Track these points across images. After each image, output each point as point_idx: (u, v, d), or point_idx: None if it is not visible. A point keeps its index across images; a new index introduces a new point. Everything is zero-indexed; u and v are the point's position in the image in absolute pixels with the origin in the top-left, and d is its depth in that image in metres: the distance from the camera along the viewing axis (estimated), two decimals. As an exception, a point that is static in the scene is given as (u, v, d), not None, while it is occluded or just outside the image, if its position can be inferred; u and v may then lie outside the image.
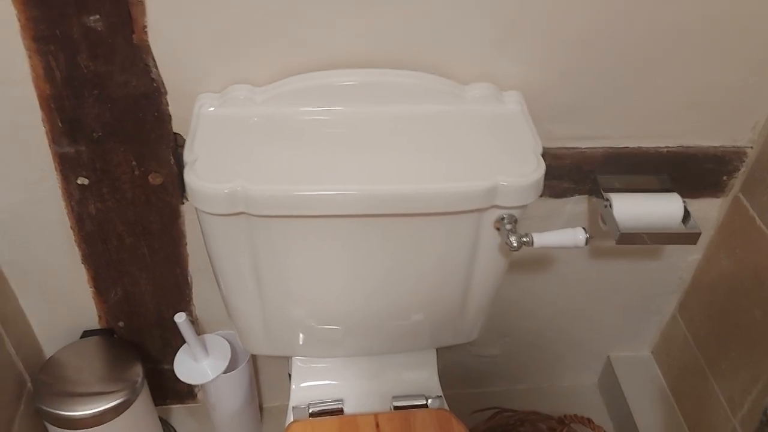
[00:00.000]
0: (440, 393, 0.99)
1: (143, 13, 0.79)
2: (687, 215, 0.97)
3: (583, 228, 0.81)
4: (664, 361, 1.32)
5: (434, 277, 0.88)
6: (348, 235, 0.81)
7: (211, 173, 0.76)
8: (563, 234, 0.81)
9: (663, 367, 1.32)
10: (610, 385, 1.36)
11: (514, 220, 0.81)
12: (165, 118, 0.90)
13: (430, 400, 0.96)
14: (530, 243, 0.80)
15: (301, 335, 0.94)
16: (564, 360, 1.37)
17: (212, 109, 0.85)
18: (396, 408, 0.95)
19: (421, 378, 1.00)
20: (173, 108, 0.89)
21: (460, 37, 0.85)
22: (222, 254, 0.83)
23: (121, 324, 1.16)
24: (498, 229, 0.82)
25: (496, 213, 0.80)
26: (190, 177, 0.76)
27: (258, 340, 0.94)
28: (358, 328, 0.94)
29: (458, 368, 1.34)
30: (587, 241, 0.81)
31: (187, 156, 0.79)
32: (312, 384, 0.98)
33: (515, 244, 0.78)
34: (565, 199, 1.04)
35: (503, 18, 0.83)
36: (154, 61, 0.84)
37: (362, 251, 0.83)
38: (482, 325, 0.99)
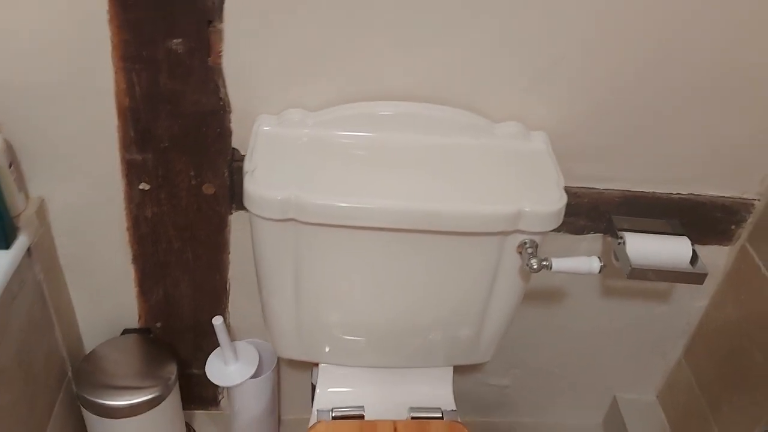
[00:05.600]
0: (454, 407, 1.05)
1: (220, 39, 0.90)
2: (695, 257, 1.04)
3: (598, 257, 0.89)
4: (668, 406, 1.37)
5: (457, 294, 0.95)
6: (385, 249, 0.89)
7: (267, 182, 0.86)
8: (579, 260, 0.89)
9: (667, 412, 1.37)
10: (615, 426, 1.40)
11: (535, 245, 0.89)
12: (226, 134, 1.00)
13: (445, 413, 1.02)
14: (549, 266, 0.88)
15: (329, 342, 1.02)
16: (570, 397, 1.42)
17: (268, 128, 0.95)
18: (413, 418, 1.01)
19: (437, 392, 1.07)
20: (235, 125, 0.99)
21: (494, 80, 0.95)
22: (268, 258, 0.92)
23: (158, 325, 1.23)
24: (520, 253, 0.90)
25: (519, 238, 0.89)
26: (249, 183, 0.86)
27: (289, 343, 1.02)
28: (382, 338, 1.02)
29: (468, 395, 1.40)
30: (601, 268, 0.89)
31: (247, 166, 0.89)
32: (336, 390, 1.05)
33: (535, 266, 0.86)
34: (581, 236, 1.12)
35: (535, 65, 0.94)
36: (224, 82, 0.94)
37: (394, 264, 0.91)
38: (497, 346, 1.06)
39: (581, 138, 1.01)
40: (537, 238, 0.89)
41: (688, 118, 0.99)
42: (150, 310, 1.21)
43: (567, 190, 0.95)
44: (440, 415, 1.02)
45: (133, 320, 1.23)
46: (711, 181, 1.07)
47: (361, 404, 1.03)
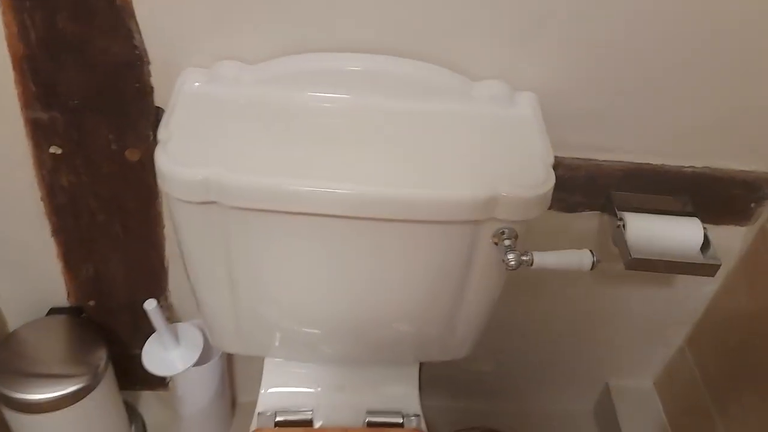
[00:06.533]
0: (419, 411, 0.92)
1: (126, -30, 0.72)
2: (707, 243, 0.89)
3: (591, 251, 0.74)
4: (666, 395, 1.24)
5: (422, 287, 0.80)
6: (331, 236, 0.73)
7: (184, 156, 0.69)
8: (568, 255, 0.74)
9: (665, 401, 1.24)
10: (605, 414, 1.28)
11: (514, 236, 0.73)
12: (147, 90, 0.82)
13: (406, 419, 0.89)
14: (529, 263, 0.72)
15: (274, 336, 0.87)
16: (559, 383, 1.29)
17: (197, 84, 0.78)
18: (369, 424, 0.88)
19: (400, 394, 0.93)
20: (156, 80, 0.82)
21: (478, 29, 0.77)
22: (191, 243, 0.76)
23: (91, 303, 1.09)
24: (496, 243, 0.74)
25: (495, 226, 0.73)
26: (160, 158, 0.69)
27: (227, 338, 0.88)
28: (337, 333, 0.87)
29: (444, 380, 1.27)
30: (594, 265, 0.73)
31: (161, 134, 0.72)
32: (282, 390, 0.92)
33: (513, 263, 0.71)
34: (575, 214, 0.96)
35: (529, 12, 0.75)
36: (137, 26, 0.76)
37: (346, 254, 0.75)
38: (473, 343, 0.92)
39: (578, 100, 0.83)
40: (517, 227, 0.73)
41: (708, 76, 0.81)
42: (80, 287, 1.07)
43: (559, 161, 0.79)
44: (400, 421, 0.88)
45: (61, 298, 1.08)
46: (731, 153, 0.89)
47: (310, 407, 0.89)
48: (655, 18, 0.76)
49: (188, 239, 0.75)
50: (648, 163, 0.90)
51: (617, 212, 0.90)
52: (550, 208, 0.92)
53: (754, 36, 0.78)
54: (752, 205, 0.95)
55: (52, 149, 0.88)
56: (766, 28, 0.77)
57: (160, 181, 0.70)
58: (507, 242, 0.72)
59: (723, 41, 0.78)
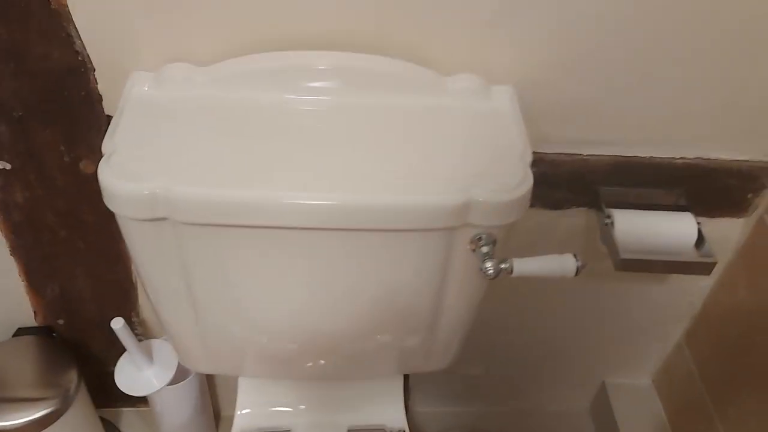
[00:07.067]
0: (404, 426, 0.87)
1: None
2: (701, 239, 0.83)
3: (574, 255, 0.68)
4: (665, 392, 1.19)
5: (398, 297, 0.75)
6: (295, 248, 0.68)
7: (129, 170, 0.64)
8: (549, 261, 0.68)
9: (664, 399, 1.19)
10: (602, 412, 1.23)
11: (492, 241, 0.68)
12: (94, 98, 0.77)
13: (389, 436, 0.84)
14: (509, 270, 0.67)
15: (245, 354, 0.82)
16: (553, 382, 1.24)
17: (146, 89, 0.72)
18: (351, 442, 0.83)
19: (383, 408, 0.88)
20: (103, 87, 0.76)
21: (445, 15, 0.71)
22: (146, 262, 0.71)
23: (60, 322, 1.04)
24: (473, 250, 0.69)
25: (471, 232, 0.67)
26: (103, 173, 0.64)
27: (195, 357, 0.82)
28: (312, 348, 0.82)
29: (434, 386, 1.22)
30: (578, 271, 0.68)
31: (106, 146, 0.66)
32: (258, 411, 0.87)
33: (491, 272, 0.65)
34: (560, 212, 0.91)
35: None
36: (77, 31, 0.71)
37: (313, 266, 0.70)
38: (457, 351, 0.87)
39: (558, 91, 0.78)
40: (496, 231, 0.68)
41: (698, 60, 0.75)
42: (47, 306, 1.02)
43: (542, 157, 0.73)
44: (384, 438, 0.84)
45: (28, 318, 1.03)
46: (724, 142, 0.84)
47: (288, 427, 0.84)
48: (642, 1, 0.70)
49: (142, 257, 0.70)
50: (636, 156, 0.85)
51: (605, 209, 0.85)
52: (533, 206, 0.88)
53: (744, 21, 0.72)
54: (749, 195, 0.89)
55: (1, 165, 0.82)
56: (756, 14, 0.71)
57: (105, 198, 0.65)
58: (484, 249, 0.67)
59: (712, 26, 0.72)
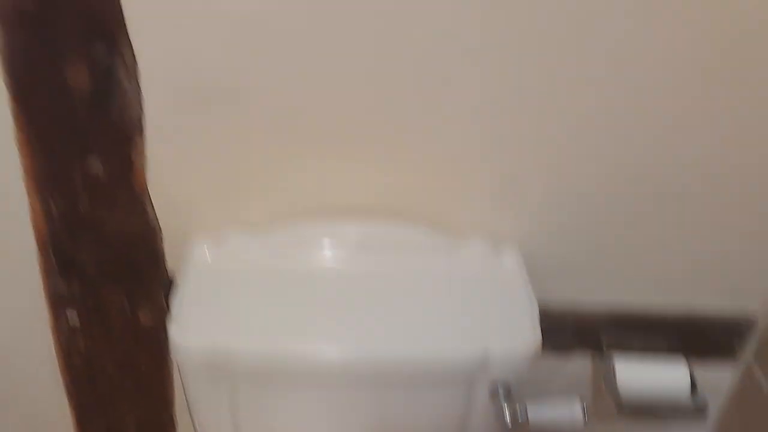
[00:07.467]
0: None
1: (142, 156, 0.80)
2: (694, 386, 0.92)
3: (581, 402, 0.77)
4: None
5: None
6: (330, 400, 0.78)
7: (193, 328, 0.75)
8: (560, 409, 0.77)
9: None
10: None
11: (507, 389, 0.77)
12: (159, 259, 0.89)
13: None
14: (524, 418, 0.75)
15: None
16: None
17: (202, 255, 0.84)
18: None
19: None
20: (168, 248, 0.89)
21: (457, 188, 0.85)
22: (202, 409, 0.80)
23: (102, 458, 1.10)
24: (491, 400, 0.78)
25: (488, 382, 0.77)
26: (173, 330, 0.74)
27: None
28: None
29: None
30: (585, 416, 0.76)
31: (175, 306, 0.78)
32: None
33: (509, 422, 0.74)
34: (566, 357, 1.00)
35: (501, 172, 0.84)
36: (151, 203, 0.84)
37: (345, 415, 0.79)
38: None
39: (558, 250, 0.90)
40: (510, 380, 0.77)
41: (681, 226, 0.88)
42: (91, 443, 1.09)
43: (547, 307, 0.84)
44: None
45: (71, 454, 1.10)
46: (710, 296, 0.94)
47: None
48: (633, 170, 0.83)
49: (198, 406, 0.79)
50: (632, 308, 0.95)
51: (606, 359, 0.94)
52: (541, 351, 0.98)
53: (725, 179, 0.84)
54: (735, 345, 0.98)
55: (70, 318, 0.93)
56: (736, 179, 0.84)
57: (172, 351, 0.75)
58: (502, 398, 0.76)
59: (692, 192, 0.85)
